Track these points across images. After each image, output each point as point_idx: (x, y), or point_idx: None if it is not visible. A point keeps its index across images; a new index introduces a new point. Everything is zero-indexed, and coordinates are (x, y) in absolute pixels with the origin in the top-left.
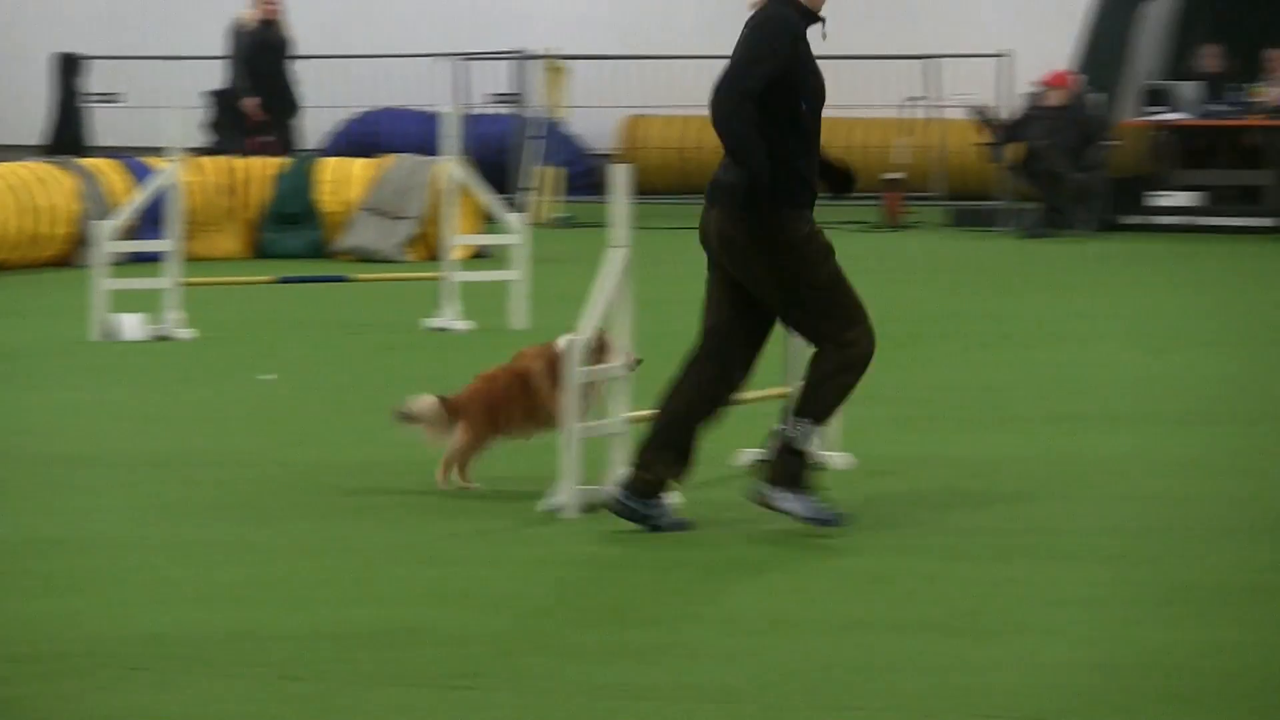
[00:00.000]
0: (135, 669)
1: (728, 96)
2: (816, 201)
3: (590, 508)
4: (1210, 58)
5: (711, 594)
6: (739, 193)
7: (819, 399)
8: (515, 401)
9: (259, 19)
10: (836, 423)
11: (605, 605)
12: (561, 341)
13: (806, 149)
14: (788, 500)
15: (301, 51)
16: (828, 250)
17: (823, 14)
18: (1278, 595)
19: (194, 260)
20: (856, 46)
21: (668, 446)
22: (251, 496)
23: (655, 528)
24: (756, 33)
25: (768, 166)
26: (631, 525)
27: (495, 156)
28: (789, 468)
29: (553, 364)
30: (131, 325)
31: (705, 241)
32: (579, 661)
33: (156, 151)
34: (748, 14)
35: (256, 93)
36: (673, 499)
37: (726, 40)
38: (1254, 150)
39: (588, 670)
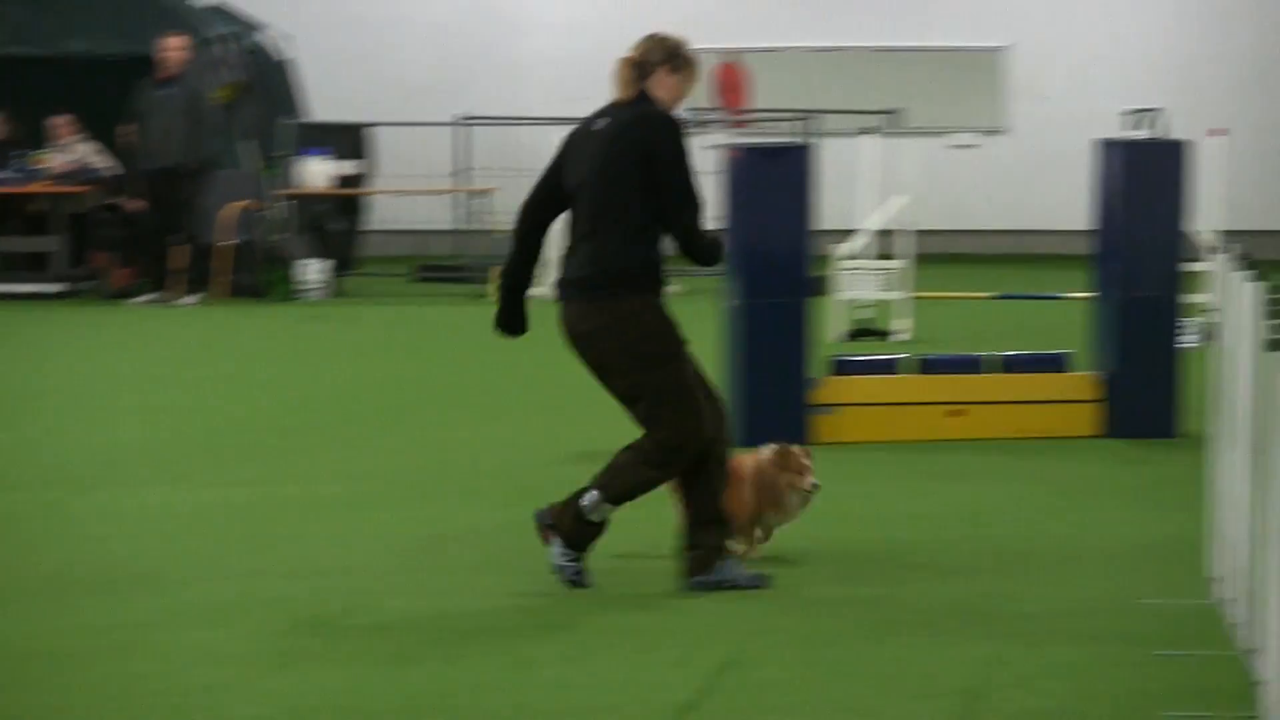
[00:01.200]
0: None
1: (698, 227)
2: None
3: None
4: None
5: None
6: (619, 281)
7: (620, 479)
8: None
9: None
10: None
11: None
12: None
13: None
14: (558, 557)
15: None
16: (680, 341)
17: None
18: (74, 658)
19: None
20: None
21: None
22: None
23: (735, 586)
24: (676, 145)
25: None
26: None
27: None
28: (579, 532)
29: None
30: None
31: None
32: None
33: None
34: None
35: None
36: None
37: None
38: (40, 217)
39: None
